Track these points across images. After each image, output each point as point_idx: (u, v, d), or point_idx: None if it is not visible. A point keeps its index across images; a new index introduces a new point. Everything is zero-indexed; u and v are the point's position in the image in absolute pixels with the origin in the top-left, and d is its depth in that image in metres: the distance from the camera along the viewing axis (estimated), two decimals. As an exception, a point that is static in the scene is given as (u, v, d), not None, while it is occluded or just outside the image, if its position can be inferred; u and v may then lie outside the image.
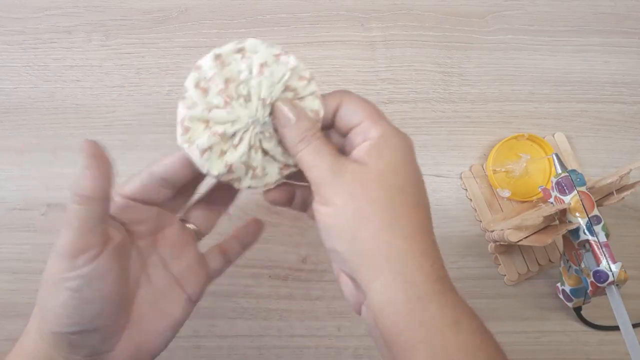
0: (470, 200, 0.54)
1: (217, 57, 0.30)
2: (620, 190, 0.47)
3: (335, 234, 0.28)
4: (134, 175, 0.32)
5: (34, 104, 0.55)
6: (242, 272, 0.51)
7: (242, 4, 0.59)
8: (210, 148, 0.30)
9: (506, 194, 0.53)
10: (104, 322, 0.30)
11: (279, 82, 0.29)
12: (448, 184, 0.55)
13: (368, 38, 0.58)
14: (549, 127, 0.57)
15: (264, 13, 0.59)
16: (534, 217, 0.44)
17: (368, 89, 0.57)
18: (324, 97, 0.31)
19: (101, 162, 0.28)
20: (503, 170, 0.54)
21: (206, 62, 0.30)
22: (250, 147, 0.30)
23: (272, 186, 0.32)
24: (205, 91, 0.30)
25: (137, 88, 0.56)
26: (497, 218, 0.53)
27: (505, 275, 0.52)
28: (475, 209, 0.54)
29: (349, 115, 0.30)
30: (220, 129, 0.29)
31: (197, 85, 0.30)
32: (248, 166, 0.31)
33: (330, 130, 0.32)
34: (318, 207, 0.29)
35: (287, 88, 0.30)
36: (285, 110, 0.29)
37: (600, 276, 0.43)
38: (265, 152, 0.31)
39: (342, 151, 0.31)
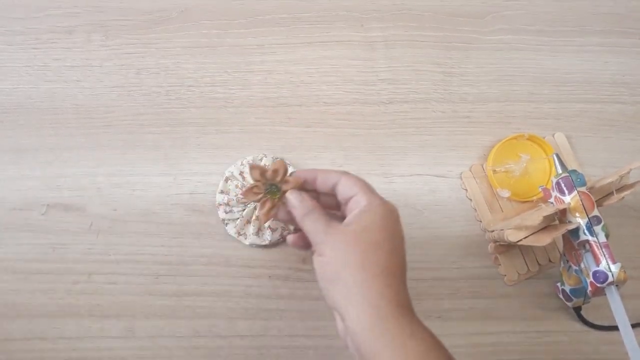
0: (470, 200, 0.54)
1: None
2: (620, 190, 0.47)
3: (325, 276, 0.38)
4: None
5: (34, 104, 0.55)
6: (243, 272, 0.51)
7: (242, 5, 0.59)
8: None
9: (506, 194, 0.53)
10: None
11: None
12: (448, 184, 0.55)
13: (368, 38, 0.58)
14: (549, 127, 0.57)
15: (264, 13, 0.59)
16: (534, 217, 0.44)
17: (368, 89, 0.57)
18: (326, 172, 0.42)
19: None
20: (503, 170, 0.54)
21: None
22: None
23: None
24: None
25: (137, 88, 0.56)
26: (497, 218, 0.53)
27: (505, 275, 0.52)
28: (475, 209, 0.54)
29: (347, 189, 0.40)
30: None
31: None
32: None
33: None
34: (315, 258, 0.39)
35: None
36: (292, 197, 0.41)
37: (600, 276, 0.43)
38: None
39: (342, 216, 0.41)
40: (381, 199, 0.39)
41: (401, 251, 0.38)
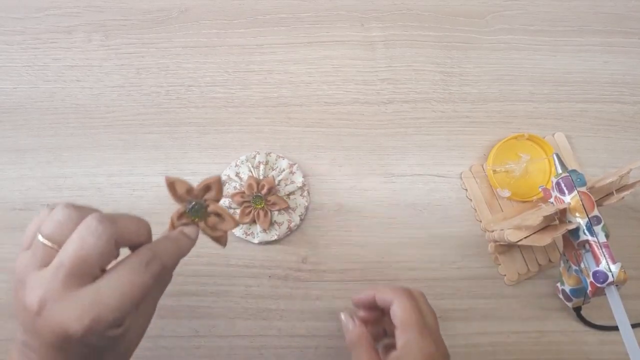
0: (471, 200, 0.54)
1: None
2: (620, 190, 0.47)
3: None
4: None
5: (34, 104, 0.55)
6: (242, 272, 0.51)
7: (242, 4, 0.59)
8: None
9: (506, 194, 0.53)
10: None
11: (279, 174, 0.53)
12: (448, 184, 0.55)
13: (368, 38, 0.58)
14: (549, 127, 0.57)
15: (264, 13, 0.59)
16: (534, 217, 0.44)
17: (368, 88, 0.57)
18: (382, 292, 0.42)
19: None
20: (503, 170, 0.54)
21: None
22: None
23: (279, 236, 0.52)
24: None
25: (137, 88, 0.56)
26: (497, 218, 0.53)
27: (505, 275, 0.52)
28: (475, 209, 0.54)
29: (396, 316, 0.40)
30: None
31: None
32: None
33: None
34: None
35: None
36: (344, 319, 0.43)
37: (600, 276, 0.43)
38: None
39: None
40: (418, 340, 0.38)
41: None
